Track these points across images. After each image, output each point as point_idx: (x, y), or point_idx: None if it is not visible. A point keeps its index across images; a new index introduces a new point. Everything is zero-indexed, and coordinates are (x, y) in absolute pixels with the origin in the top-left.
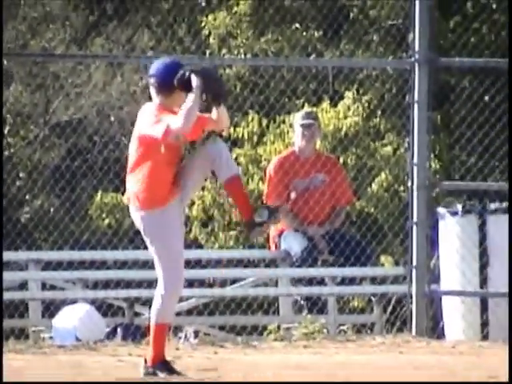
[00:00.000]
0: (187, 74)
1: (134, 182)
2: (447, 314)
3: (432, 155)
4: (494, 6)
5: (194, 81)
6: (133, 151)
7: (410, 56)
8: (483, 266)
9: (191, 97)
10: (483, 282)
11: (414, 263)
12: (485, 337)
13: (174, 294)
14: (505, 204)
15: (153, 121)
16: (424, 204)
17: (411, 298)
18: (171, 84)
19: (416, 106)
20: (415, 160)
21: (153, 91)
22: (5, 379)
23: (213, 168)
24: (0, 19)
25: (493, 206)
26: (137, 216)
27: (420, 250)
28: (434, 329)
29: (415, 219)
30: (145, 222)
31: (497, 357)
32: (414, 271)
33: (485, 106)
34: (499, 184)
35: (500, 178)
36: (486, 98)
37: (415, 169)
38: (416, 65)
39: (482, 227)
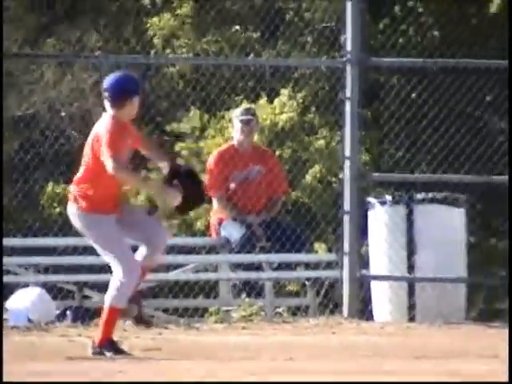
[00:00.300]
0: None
1: (82, 184)
2: (376, 298)
3: (362, 149)
4: (421, 10)
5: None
6: (86, 155)
7: (342, 56)
8: (410, 253)
9: (152, 186)
10: (410, 267)
11: (346, 250)
12: (411, 319)
13: (131, 281)
14: (431, 194)
15: (109, 142)
16: (355, 194)
17: (343, 282)
18: (123, 97)
19: (348, 102)
20: (347, 153)
21: (107, 104)
22: None
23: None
24: (0, 19)
25: (419, 196)
26: (76, 215)
27: (351, 237)
28: (364, 311)
29: (347, 209)
30: (83, 223)
31: (422, 337)
32: (345, 257)
33: (412, 103)
34: (425, 176)
35: (427, 170)
36: (413, 95)
37: (347, 161)
38: (348, 64)
39: (409, 216)
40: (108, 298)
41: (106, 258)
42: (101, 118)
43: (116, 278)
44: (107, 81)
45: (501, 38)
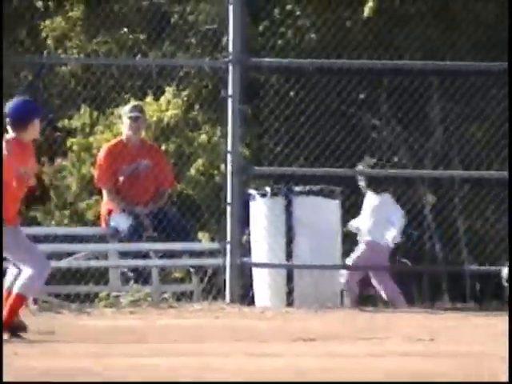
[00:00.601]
0: None
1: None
2: (256, 284)
3: (243, 143)
4: (299, 13)
5: None
6: None
7: (225, 57)
8: (288, 242)
9: None
10: (289, 255)
11: (228, 239)
12: (290, 304)
13: (43, 274)
14: (308, 187)
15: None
16: (237, 186)
17: (225, 269)
18: (23, 121)
19: (229, 100)
20: (229, 148)
21: (9, 128)
22: None
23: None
24: (0, 19)
25: (297, 188)
26: None
27: (233, 227)
28: (245, 297)
29: (229, 200)
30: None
31: (300, 321)
32: (227, 246)
33: (290, 101)
34: (303, 169)
35: (304, 164)
36: (292, 93)
37: (229, 155)
38: (230, 64)
39: (288, 207)
40: (18, 285)
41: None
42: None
43: (29, 268)
44: (8, 106)
45: (374, 40)
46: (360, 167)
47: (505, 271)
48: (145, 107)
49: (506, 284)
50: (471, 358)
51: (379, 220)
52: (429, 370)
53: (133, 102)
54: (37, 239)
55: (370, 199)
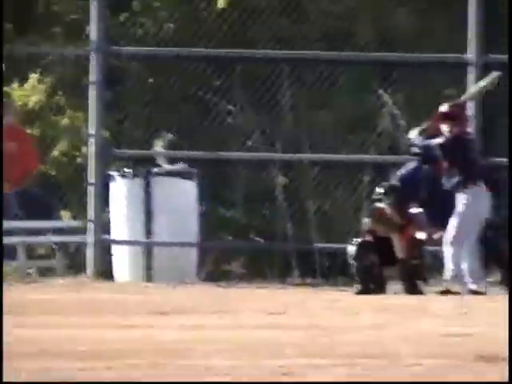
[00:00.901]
0: None
1: None
2: (117, 260)
3: (105, 127)
4: (158, 4)
5: None
6: None
7: (87, 45)
8: (148, 220)
9: None
10: (148, 233)
11: (90, 217)
12: (149, 279)
13: None
14: (166, 168)
15: None
16: (98, 168)
17: (87, 246)
18: None
19: (92, 86)
20: (91, 131)
21: None
22: None
23: None
24: (0, 19)
25: (156, 170)
26: None
27: (95, 206)
28: (107, 272)
29: (91, 181)
30: None
31: (159, 296)
32: (89, 224)
33: (149, 87)
34: (162, 151)
35: (162, 147)
36: (151, 80)
37: (91, 138)
38: (92, 53)
39: (147, 188)
40: None
41: None
42: None
43: None
44: None
45: (229, 30)
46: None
47: (350, 249)
48: (11, 93)
49: (351, 261)
50: (319, 329)
51: None
52: (280, 340)
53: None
54: None
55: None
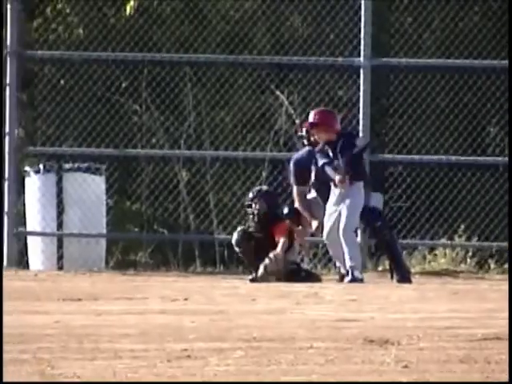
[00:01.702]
0: None
1: None
2: (31, 250)
3: (20, 126)
4: (68, 11)
5: None
6: None
7: (4, 49)
8: (60, 213)
9: None
10: (59, 225)
11: (6, 210)
12: (60, 268)
13: None
14: (77, 164)
15: None
16: (13, 164)
17: (2, 237)
18: None
19: (8, 88)
20: (6, 130)
21: None
22: None
23: None
24: (0, 19)
25: (67, 165)
26: None
27: (10, 200)
28: (21, 261)
29: (6, 176)
30: None
31: (70, 283)
32: (5, 216)
33: (61, 89)
34: (72, 149)
35: (73, 144)
36: (62, 82)
37: (7, 136)
38: (8, 56)
39: (59, 183)
40: None
41: None
42: None
43: None
44: None
45: (136, 35)
46: None
47: (233, 236)
48: None
49: (236, 248)
50: (220, 315)
51: None
52: (183, 325)
53: None
54: None
55: None
